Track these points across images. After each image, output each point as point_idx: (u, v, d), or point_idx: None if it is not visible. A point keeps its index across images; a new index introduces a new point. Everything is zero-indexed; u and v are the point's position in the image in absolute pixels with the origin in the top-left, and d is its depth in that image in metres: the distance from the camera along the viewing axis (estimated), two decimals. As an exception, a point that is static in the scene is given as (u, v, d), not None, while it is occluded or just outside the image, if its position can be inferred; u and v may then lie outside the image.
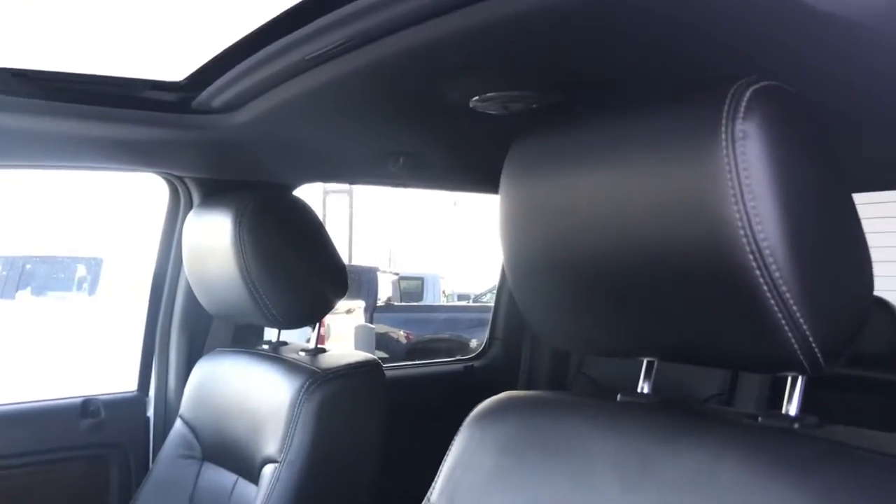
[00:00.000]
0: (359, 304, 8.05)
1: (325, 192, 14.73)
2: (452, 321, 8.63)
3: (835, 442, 0.70)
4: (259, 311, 1.49)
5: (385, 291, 9.37)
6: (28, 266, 6.97)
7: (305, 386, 1.39)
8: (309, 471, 1.34)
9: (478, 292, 12.14)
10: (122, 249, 6.66)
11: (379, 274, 9.18)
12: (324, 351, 1.57)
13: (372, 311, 8.25)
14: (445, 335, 8.22)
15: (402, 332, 8.23)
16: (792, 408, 0.77)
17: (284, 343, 1.68)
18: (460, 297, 12.98)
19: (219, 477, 1.58)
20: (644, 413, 0.84)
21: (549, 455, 0.87)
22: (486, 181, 1.80)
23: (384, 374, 1.50)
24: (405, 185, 2.11)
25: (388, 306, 8.96)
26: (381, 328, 7.98)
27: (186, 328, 1.87)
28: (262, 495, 1.35)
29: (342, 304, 8.05)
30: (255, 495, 1.40)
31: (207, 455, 1.63)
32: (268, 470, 1.37)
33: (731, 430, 0.76)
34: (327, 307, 1.54)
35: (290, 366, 1.47)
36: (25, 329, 5.51)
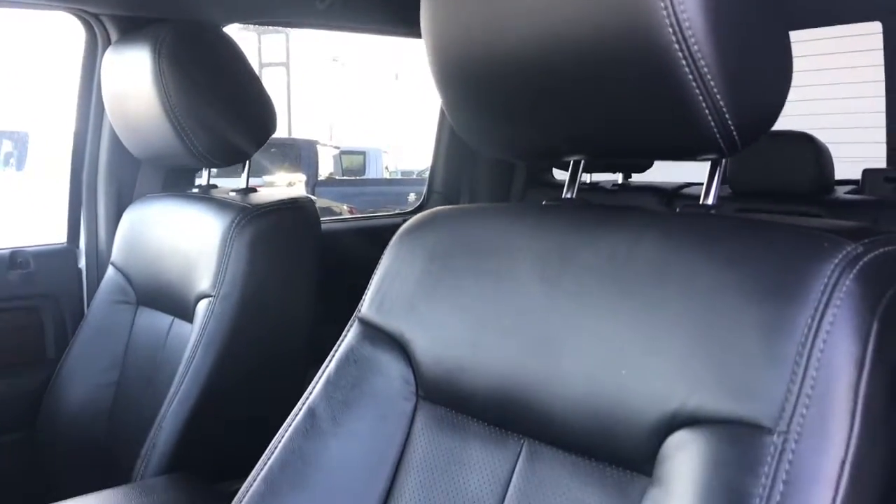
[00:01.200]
0: (299, 178, 7.95)
1: (262, 66, 14.24)
2: (396, 195, 8.60)
3: (748, 219, 0.72)
4: (186, 149, 1.45)
5: (326, 167, 9.25)
6: (-49, 141, 6.68)
7: (236, 221, 1.37)
8: (242, 304, 1.35)
9: (421, 168, 12.08)
10: (46, 123, 6.40)
11: (319, 148, 9.04)
12: (254, 191, 1.55)
13: (314, 185, 8.17)
14: (390, 210, 8.19)
15: (345, 206, 8.18)
16: (710, 198, 0.79)
17: (214, 186, 1.66)
18: (404, 174, 12.90)
19: (154, 320, 1.58)
20: (567, 211, 0.85)
21: (474, 257, 0.88)
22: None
23: (316, 211, 1.50)
24: (333, 27, 2.04)
25: (330, 181, 8.87)
26: (324, 202, 7.92)
27: (114, 176, 1.82)
28: (196, 330, 1.35)
29: (283, 178, 7.95)
30: (190, 332, 1.40)
31: (142, 300, 1.62)
32: (202, 305, 1.38)
33: (650, 216, 0.77)
34: (257, 143, 1.51)
35: (221, 204, 1.45)
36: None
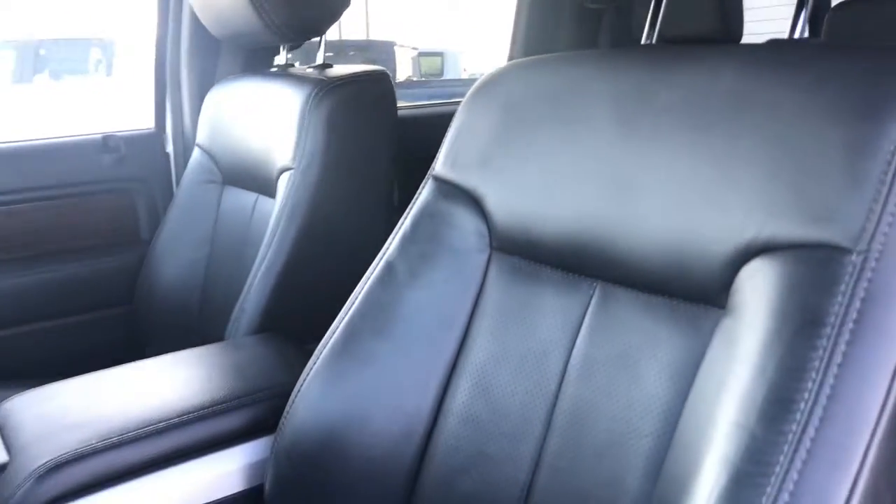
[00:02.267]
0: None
1: (338, -33, 14.01)
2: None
3: (833, 45, 0.69)
4: (263, 24, 1.46)
5: (405, 69, 9.17)
6: (42, 51, 6.87)
7: (313, 94, 1.39)
8: (322, 175, 1.37)
9: (500, 69, 11.81)
10: (132, 30, 6.51)
11: (397, 49, 8.94)
12: (330, 66, 1.55)
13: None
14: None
15: (423, 108, 8.11)
16: (795, 32, 0.75)
17: (292, 65, 1.67)
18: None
19: (240, 197, 1.63)
20: (645, 53, 0.83)
21: (549, 105, 0.87)
22: None
23: (391, 83, 1.50)
24: None
25: (408, 83, 8.80)
26: (402, 105, 7.85)
27: (195, 61, 1.85)
28: (279, 202, 1.39)
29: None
30: (273, 207, 1.44)
31: (227, 178, 1.67)
32: (283, 179, 1.41)
33: (730, 50, 0.75)
34: (332, 17, 1.51)
35: (298, 79, 1.47)
36: (49, 110, 5.53)
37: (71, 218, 1.82)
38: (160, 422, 0.98)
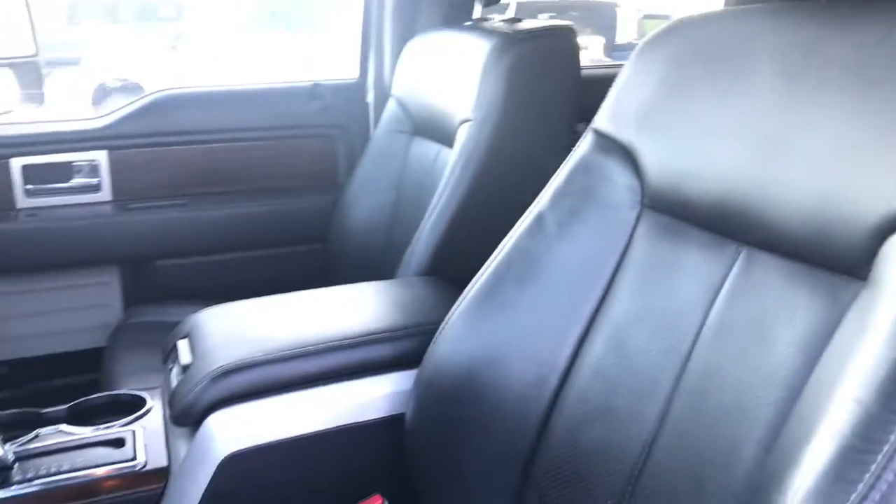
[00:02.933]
0: (597, 42, 7.76)
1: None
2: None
3: None
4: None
5: (629, 32, 8.91)
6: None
7: (497, 47, 1.41)
8: (499, 127, 1.40)
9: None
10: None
11: (620, 11, 8.70)
12: (520, 20, 1.56)
13: (611, 50, 7.94)
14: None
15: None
16: None
17: (486, 19, 1.70)
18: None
19: (425, 148, 1.70)
20: (815, 6, 0.77)
21: (712, 61, 0.83)
22: None
23: (575, 42, 1.48)
24: None
25: (627, 45, 8.56)
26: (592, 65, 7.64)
27: (399, 14, 1.93)
28: (456, 151, 1.43)
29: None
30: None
31: (416, 129, 1.74)
32: (462, 129, 1.45)
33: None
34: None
35: (486, 32, 1.49)
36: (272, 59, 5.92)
37: (277, 158, 1.98)
38: (320, 343, 1.06)
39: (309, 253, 1.97)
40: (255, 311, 1.19)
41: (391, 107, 1.82)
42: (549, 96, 1.46)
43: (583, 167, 0.95)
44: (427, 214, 1.43)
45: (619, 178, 0.92)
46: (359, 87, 2.05)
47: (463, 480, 0.95)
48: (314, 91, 2.00)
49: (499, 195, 1.43)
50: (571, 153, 0.98)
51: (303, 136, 2.02)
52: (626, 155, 0.91)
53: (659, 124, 0.88)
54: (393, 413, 1.04)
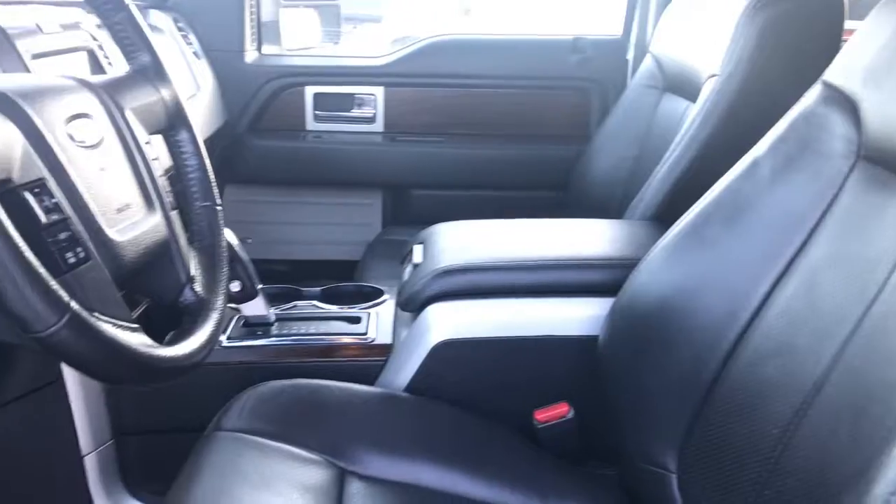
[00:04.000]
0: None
1: None
2: None
3: None
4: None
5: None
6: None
7: (753, 4, 1.39)
8: (743, 85, 1.39)
9: None
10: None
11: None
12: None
13: None
14: None
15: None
16: None
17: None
18: None
19: (673, 104, 1.71)
20: None
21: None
22: None
23: (842, 9, 1.42)
24: None
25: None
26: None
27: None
28: (697, 105, 1.45)
29: None
30: (697, 112, 1.50)
31: (667, 85, 1.76)
32: (708, 84, 1.46)
33: None
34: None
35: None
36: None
37: (532, 107, 2.10)
38: (532, 260, 1.17)
39: (547, 199, 2.08)
40: (483, 229, 1.32)
41: (647, 63, 1.85)
42: (804, 58, 1.41)
43: (804, 117, 0.96)
44: (660, 164, 1.47)
45: (838, 129, 0.91)
46: (619, 44, 2.10)
47: (647, 400, 1.01)
48: (575, 45, 2.08)
49: (734, 151, 1.42)
50: (797, 103, 0.99)
51: (559, 88, 2.11)
52: (850, 106, 0.90)
53: (887, 79, 0.86)
54: (588, 333, 1.12)
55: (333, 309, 1.31)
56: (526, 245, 1.23)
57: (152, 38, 0.91)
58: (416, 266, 1.24)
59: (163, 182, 0.86)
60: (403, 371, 1.13)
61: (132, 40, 0.89)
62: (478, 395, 1.13)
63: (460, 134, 2.11)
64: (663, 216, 1.42)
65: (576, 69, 2.09)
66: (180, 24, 1.89)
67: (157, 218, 0.82)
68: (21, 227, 0.59)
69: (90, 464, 1.17)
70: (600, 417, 1.07)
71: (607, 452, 1.07)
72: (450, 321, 1.13)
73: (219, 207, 0.94)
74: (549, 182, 2.08)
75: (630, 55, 2.08)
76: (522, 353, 1.13)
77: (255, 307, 1.22)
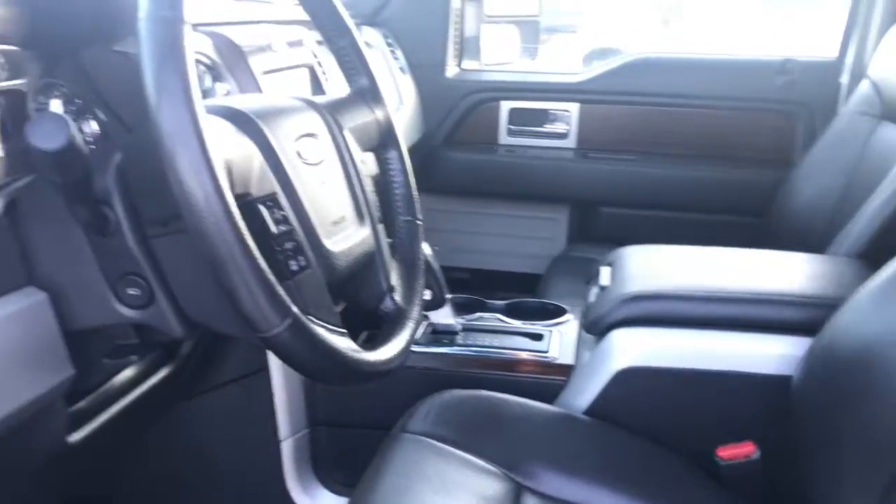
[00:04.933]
0: None
1: None
2: None
3: None
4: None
5: None
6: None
7: None
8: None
9: None
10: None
11: None
12: None
13: None
14: None
15: None
16: None
17: None
18: None
19: (891, 133, 1.60)
20: None
21: None
22: None
23: None
24: None
25: None
26: None
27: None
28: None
29: None
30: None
31: (886, 113, 1.65)
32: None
33: None
34: None
35: None
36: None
37: (732, 128, 2.03)
38: (725, 292, 1.14)
39: (743, 225, 1.99)
40: (675, 255, 1.30)
41: (863, 88, 1.74)
42: None
43: None
44: (872, 197, 1.38)
45: None
46: (833, 67, 1.98)
47: (844, 449, 0.96)
48: (784, 66, 1.99)
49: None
50: None
51: (762, 110, 2.03)
52: None
53: None
54: (780, 373, 1.07)
55: (517, 324, 1.34)
56: (719, 275, 1.20)
57: (370, 60, 0.97)
58: (603, 289, 1.24)
59: (372, 197, 0.92)
60: (584, 394, 1.14)
61: (353, 64, 0.96)
62: (659, 425, 1.11)
63: (655, 153, 2.08)
64: (872, 254, 1.33)
65: (782, 92, 2.00)
66: (389, 40, 2.00)
67: (366, 230, 0.88)
68: (255, 236, 0.66)
69: (286, 449, 1.27)
70: (789, 461, 1.03)
71: (794, 499, 1.02)
72: (635, 348, 1.12)
73: (419, 222, 0.99)
74: (745, 207, 2.00)
75: (844, 79, 1.95)
76: (709, 387, 1.10)
77: (443, 315, 1.28)
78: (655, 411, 1.12)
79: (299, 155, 0.80)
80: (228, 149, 0.69)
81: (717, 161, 2.04)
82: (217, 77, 1.14)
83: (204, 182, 0.60)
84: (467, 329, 1.31)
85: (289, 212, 0.75)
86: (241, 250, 0.62)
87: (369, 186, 0.93)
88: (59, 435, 0.80)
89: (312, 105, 0.88)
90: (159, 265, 0.74)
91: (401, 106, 1.90)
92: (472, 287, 2.22)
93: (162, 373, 0.97)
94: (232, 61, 1.16)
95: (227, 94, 1.15)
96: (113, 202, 0.72)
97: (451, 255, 2.20)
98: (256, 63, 1.20)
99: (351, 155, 0.90)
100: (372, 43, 1.89)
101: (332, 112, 0.90)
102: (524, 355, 1.25)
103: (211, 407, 1.25)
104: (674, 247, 1.33)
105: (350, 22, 0.95)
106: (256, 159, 0.73)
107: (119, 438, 1.00)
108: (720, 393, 1.10)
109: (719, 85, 2.02)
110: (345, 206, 0.86)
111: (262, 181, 0.73)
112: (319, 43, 1.43)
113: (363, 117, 0.95)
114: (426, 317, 1.29)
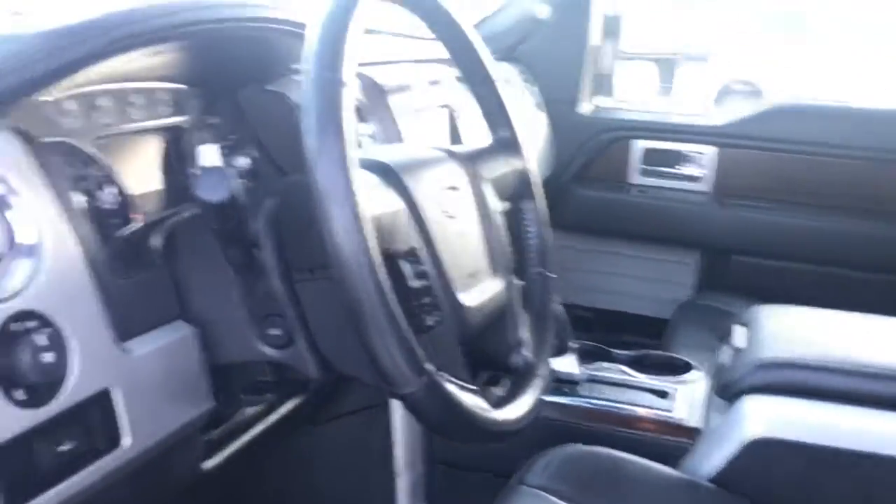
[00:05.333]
0: None
1: None
2: None
3: None
4: None
5: None
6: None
7: None
8: None
9: None
10: None
11: None
12: None
13: None
14: None
15: None
16: None
17: None
18: None
19: None
20: None
21: None
22: None
23: None
24: None
25: None
26: None
27: None
28: None
29: None
30: None
31: None
32: None
33: None
34: None
35: None
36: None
37: (884, 181, 1.91)
38: (872, 367, 1.07)
39: (890, 285, 1.87)
40: (817, 319, 1.23)
41: None
42: None
43: None
44: None
45: None
46: None
47: None
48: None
49: None
50: None
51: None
52: None
53: None
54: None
55: (641, 378, 1.30)
56: (865, 345, 1.13)
57: (511, 111, 0.98)
58: (737, 350, 1.19)
59: (506, 248, 0.92)
60: (711, 460, 1.09)
61: (495, 114, 0.97)
62: (791, 501, 1.05)
63: (796, 202, 1.98)
64: None
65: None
66: (525, 76, 2.00)
67: (500, 283, 0.88)
68: (395, 291, 0.67)
69: (401, 485, 1.28)
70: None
71: None
72: (770, 417, 1.07)
73: (552, 276, 0.98)
74: (893, 266, 1.87)
75: None
76: (848, 467, 1.03)
77: (566, 363, 1.26)
78: (787, 487, 1.06)
79: (441, 208, 0.81)
80: (377, 205, 0.70)
81: (863, 214, 1.93)
82: (362, 118, 1.17)
83: (354, 241, 0.62)
84: (590, 380, 1.28)
85: (428, 266, 0.75)
86: (383, 309, 0.63)
87: (504, 237, 0.92)
88: (195, 463, 0.83)
89: (453, 156, 0.89)
90: (301, 309, 0.76)
91: (532, 142, 1.89)
92: (595, 328, 2.19)
93: (291, 403, 1.00)
94: (374, 102, 1.19)
95: (371, 136, 1.18)
96: (263, 245, 0.75)
97: (575, 292, 2.17)
98: (396, 103, 1.22)
99: (489, 206, 0.90)
100: (509, 78, 1.90)
101: (472, 162, 0.91)
102: (648, 413, 1.21)
103: (330, 436, 1.27)
104: (816, 310, 1.26)
105: (493, 71, 0.96)
106: (402, 215, 0.75)
107: (248, 466, 1.03)
108: (861, 474, 1.03)
109: (868, 135, 1.91)
110: (480, 259, 0.86)
111: (405, 236, 0.74)
112: (458, 80, 1.44)
113: (502, 168, 0.95)
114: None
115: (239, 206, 0.67)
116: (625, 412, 1.22)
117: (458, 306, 0.78)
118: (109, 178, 0.83)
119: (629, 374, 1.31)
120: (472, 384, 0.76)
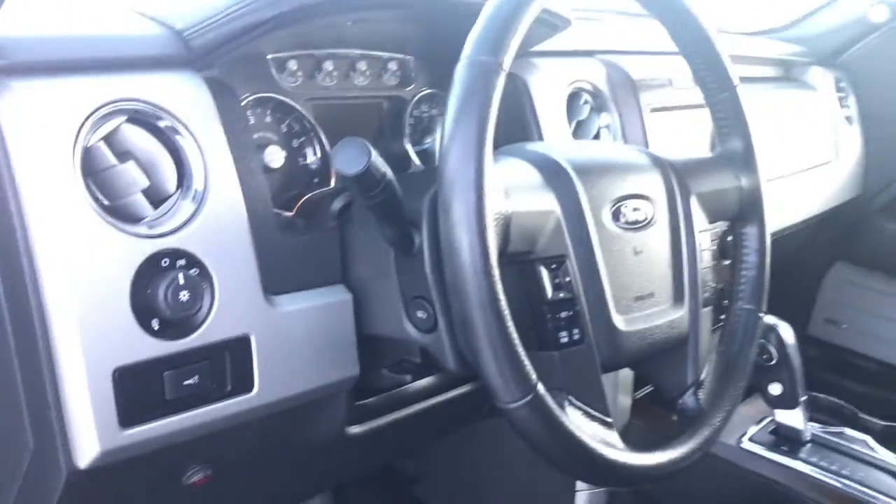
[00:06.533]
0: None
1: None
2: None
3: None
4: None
5: None
6: None
7: None
8: None
9: None
10: None
11: None
12: None
13: None
14: None
15: None
16: None
17: None
18: None
19: None
20: None
21: None
22: None
23: None
24: None
25: None
26: None
27: None
28: None
29: None
30: None
31: None
32: None
33: None
34: None
35: None
36: None
37: None
38: None
39: None
40: None
41: None
42: None
43: None
44: None
45: None
46: None
47: None
48: None
49: None
50: None
51: None
52: None
53: None
54: None
55: (888, 457, 1.08)
56: None
57: (750, 122, 0.85)
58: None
59: (705, 275, 0.81)
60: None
61: (729, 122, 0.84)
62: None
63: None
64: None
65: None
66: (842, 84, 1.74)
67: (680, 312, 0.77)
68: (525, 297, 0.61)
69: (580, 500, 1.20)
70: None
71: None
72: None
73: (762, 315, 0.84)
74: None
75: None
76: None
77: (791, 417, 1.09)
78: None
79: (615, 217, 0.73)
80: (518, 201, 0.65)
81: None
82: (600, 107, 1.10)
83: (471, 237, 0.58)
84: (819, 442, 1.10)
85: (576, 278, 0.68)
86: (492, 314, 0.58)
87: (706, 263, 0.81)
88: (339, 426, 0.84)
89: (658, 163, 0.79)
90: (447, 298, 0.73)
91: (834, 160, 1.65)
92: (879, 383, 1.87)
93: (461, 389, 0.98)
94: (621, 93, 1.11)
95: (606, 127, 1.10)
96: (421, 226, 0.73)
97: (860, 338, 1.88)
98: (648, 98, 1.13)
99: (690, 223, 0.79)
100: (816, 85, 1.67)
101: (682, 173, 0.80)
102: (882, 500, 1.00)
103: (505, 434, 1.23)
104: None
105: (734, 75, 0.83)
106: (552, 217, 0.68)
107: (403, 440, 1.03)
108: None
109: None
110: (659, 281, 0.76)
111: (552, 241, 0.68)
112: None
113: (722, 183, 0.83)
114: (770, 412, 1.12)
115: (383, 181, 0.65)
116: (855, 495, 1.02)
117: (608, 329, 0.70)
118: (316, 138, 0.87)
119: (873, 448, 1.10)
120: (608, 415, 0.68)
